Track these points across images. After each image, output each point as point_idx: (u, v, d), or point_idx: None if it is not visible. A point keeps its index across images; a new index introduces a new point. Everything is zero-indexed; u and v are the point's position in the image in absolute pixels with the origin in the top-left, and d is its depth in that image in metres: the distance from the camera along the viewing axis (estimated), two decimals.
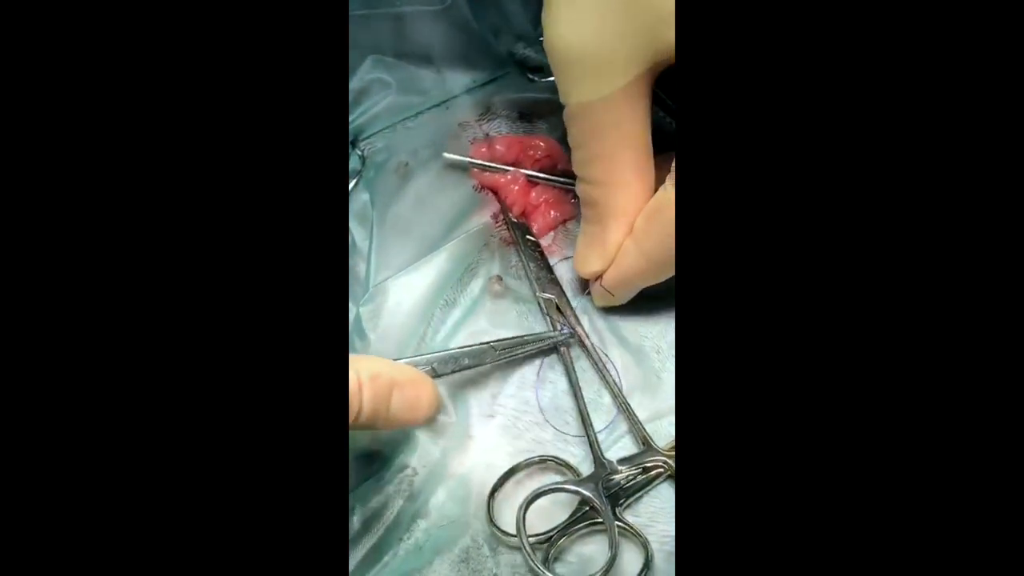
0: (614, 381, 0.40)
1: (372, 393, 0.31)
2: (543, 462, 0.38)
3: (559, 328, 0.41)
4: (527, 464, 0.38)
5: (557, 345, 0.41)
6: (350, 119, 0.49)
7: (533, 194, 0.46)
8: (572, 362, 0.41)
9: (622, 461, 0.37)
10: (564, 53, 0.34)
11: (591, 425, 0.38)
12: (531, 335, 0.40)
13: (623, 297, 0.40)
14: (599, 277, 0.40)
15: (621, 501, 0.36)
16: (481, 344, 0.39)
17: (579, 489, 0.36)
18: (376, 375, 0.32)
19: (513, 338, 0.40)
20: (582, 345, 0.41)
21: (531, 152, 0.47)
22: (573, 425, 0.39)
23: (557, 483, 0.36)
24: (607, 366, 0.40)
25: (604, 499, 0.36)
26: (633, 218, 0.37)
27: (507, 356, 0.39)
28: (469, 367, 0.39)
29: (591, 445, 0.38)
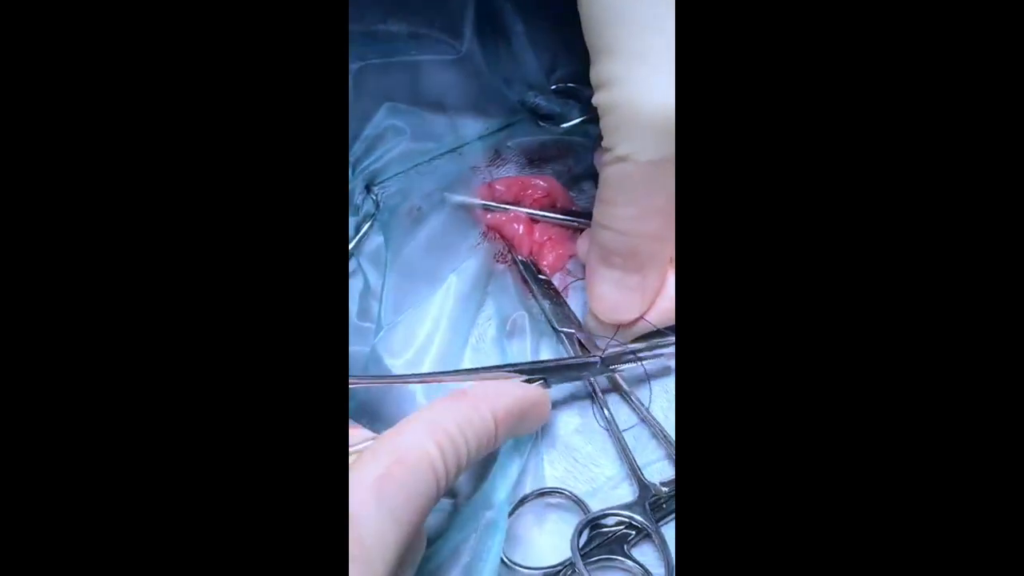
0: (646, 409, 0.40)
1: (505, 429, 0.33)
2: (550, 494, 0.38)
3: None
4: (533, 496, 0.38)
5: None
6: (366, 165, 0.51)
7: (537, 233, 0.47)
8: (600, 393, 0.41)
9: (665, 483, 0.38)
10: (657, 114, 0.34)
11: (629, 449, 0.39)
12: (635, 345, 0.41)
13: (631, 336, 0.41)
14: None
15: (630, 537, 0.36)
16: (591, 356, 0.40)
17: (630, 514, 0.36)
18: (508, 412, 0.33)
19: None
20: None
21: (530, 191, 0.48)
22: (584, 460, 0.40)
23: (607, 509, 0.37)
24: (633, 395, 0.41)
25: (655, 522, 0.36)
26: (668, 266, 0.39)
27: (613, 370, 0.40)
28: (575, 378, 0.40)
29: (632, 469, 0.38)
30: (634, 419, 0.40)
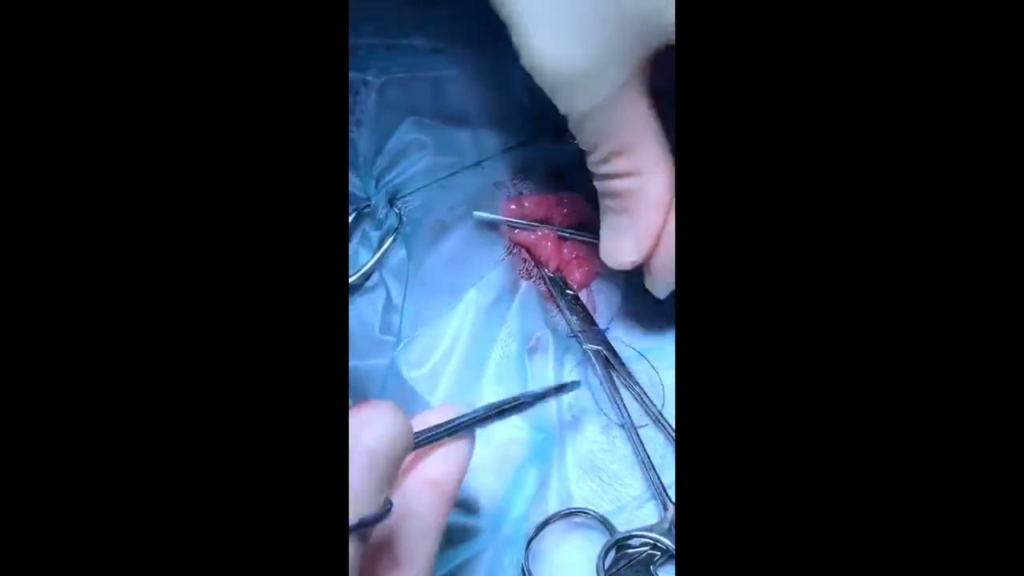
0: (668, 426, 0.40)
1: None
2: (575, 514, 0.38)
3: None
4: (558, 517, 0.38)
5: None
6: (389, 179, 0.51)
7: (565, 250, 0.46)
8: (627, 410, 0.41)
9: None
10: (554, 71, 0.34)
11: (655, 469, 0.38)
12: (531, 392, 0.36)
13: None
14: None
15: (656, 558, 0.36)
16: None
17: (656, 536, 0.36)
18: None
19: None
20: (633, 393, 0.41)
21: (559, 209, 0.48)
22: (610, 479, 0.39)
23: (632, 530, 0.36)
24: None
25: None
26: (665, 205, 0.37)
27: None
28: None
29: (656, 488, 0.38)
30: (660, 438, 0.40)
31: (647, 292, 0.44)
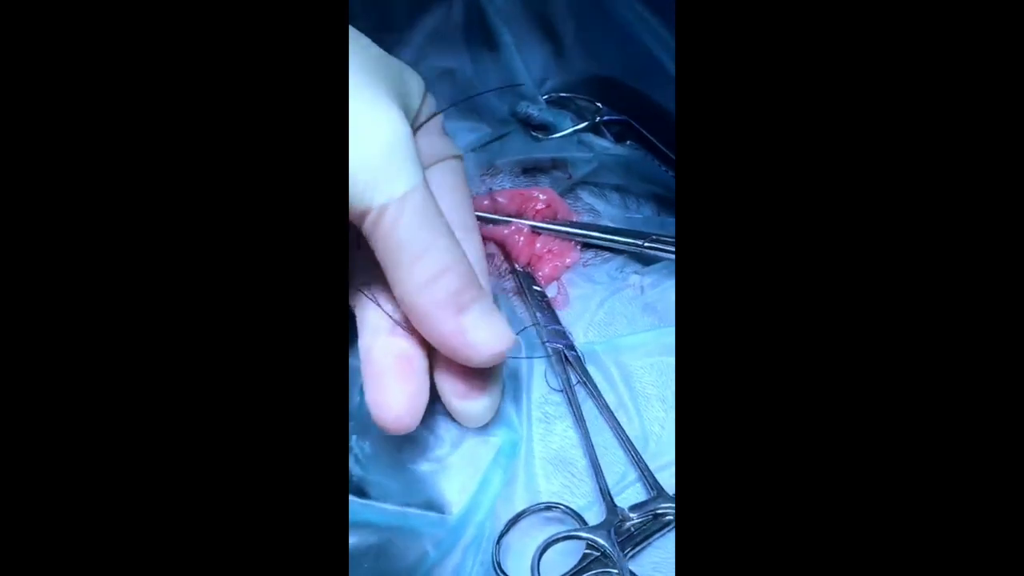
0: (622, 429, 0.39)
1: None
2: (548, 509, 0.37)
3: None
4: (532, 511, 0.37)
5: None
6: None
7: (538, 244, 0.46)
8: (580, 409, 0.40)
9: (633, 508, 0.36)
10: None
11: (601, 472, 0.38)
12: None
13: None
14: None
15: (627, 550, 0.36)
16: None
17: (593, 536, 0.35)
18: None
19: None
20: (591, 394, 0.41)
21: (532, 203, 0.48)
22: (580, 474, 0.39)
23: (570, 530, 0.36)
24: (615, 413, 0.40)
25: (617, 547, 0.35)
26: None
27: None
28: None
29: (602, 492, 0.37)
30: (606, 430, 0.40)
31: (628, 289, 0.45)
